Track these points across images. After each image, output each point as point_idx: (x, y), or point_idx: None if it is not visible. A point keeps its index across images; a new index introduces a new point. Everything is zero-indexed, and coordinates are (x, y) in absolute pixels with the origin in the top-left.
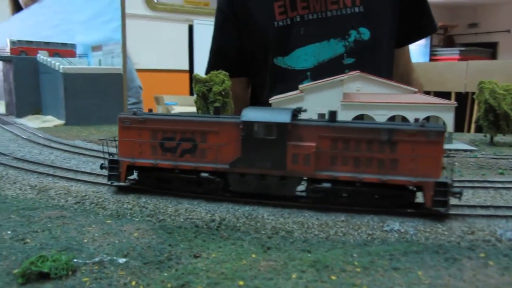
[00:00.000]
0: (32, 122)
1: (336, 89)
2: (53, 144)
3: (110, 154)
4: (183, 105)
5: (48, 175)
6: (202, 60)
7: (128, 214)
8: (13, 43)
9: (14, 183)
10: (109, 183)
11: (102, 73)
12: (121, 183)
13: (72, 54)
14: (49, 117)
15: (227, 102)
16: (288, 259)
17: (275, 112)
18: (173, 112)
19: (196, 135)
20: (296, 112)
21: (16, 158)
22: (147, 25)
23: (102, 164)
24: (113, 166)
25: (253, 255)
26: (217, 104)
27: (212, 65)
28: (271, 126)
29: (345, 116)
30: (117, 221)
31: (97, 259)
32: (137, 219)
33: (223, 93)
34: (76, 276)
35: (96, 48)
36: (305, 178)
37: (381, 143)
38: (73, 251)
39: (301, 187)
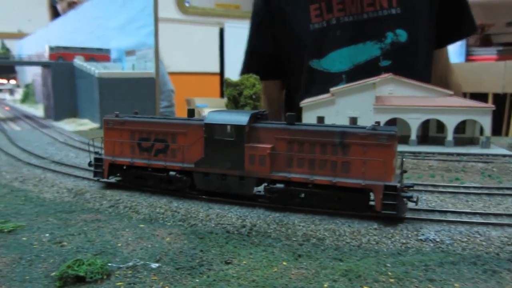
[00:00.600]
0: (68, 125)
1: (368, 92)
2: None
3: (96, 152)
4: (214, 107)
5: (84, 178)
6: (233, 63)
7: (161, 219)
8: (51, 49)
9: (52, 186)
10: (95, 179)
11: (135, 77)
12: (106, 180)
13: (107, 59)
14: (85, 120)
15: (257, 105)
16: (320, 267)
17: (235, 114)
18: (203, 114)
19: (168, 136)
20: (257, 115)
21: (53, 161)
22: (178, 29)
23: (90, 161)
24: (98, 164)
25: (284, 263)
26: (247, 108)
27: (247, 67)
28: (230, 128)
29: (378, 119)
30: (149, 226)
31: (130, 264)
32: (169, 224)
33: (253, 96)
34: (111, 280)
35: (129, 52)
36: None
37: (334, 146)
38: (108, 255)
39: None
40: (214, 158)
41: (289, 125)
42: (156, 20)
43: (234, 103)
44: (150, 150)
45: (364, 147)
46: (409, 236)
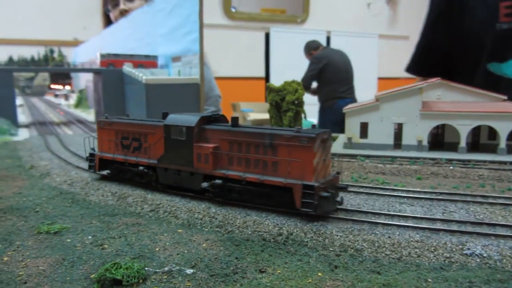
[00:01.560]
0: None
1: (414, 98)
2: None
3: (92, 149)
4: (259, 112)
5: (127, 183)
6: (278, 67)
7: (199, 224)
8: (102, 56)
9: (98, 189)
10: (90, 171)
11: (180, 83)
12: (98, 172)
13: (154, 65)
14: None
15: (300, 111)
16: (356, 280)
17: (188, 117)
18: (248, 118)
19: (141, 135)
20: (209, 118)
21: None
22: (225, 34)
23: (87, 156)
24: (91, 158)
25: (319, 274)
26: (290, 113)
27: (416, 61)
28: (181, 129)
29: (425, 125)
30: (187, 231)
31: (166, 269)
32: (206, 230)
33: (296, 102)
34: (146, 284)
35: (176, 59)
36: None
37: (265, 147)
38: (145, 259)
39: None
40: (171, 155)
41: (232, 127)
42: (201, 26)
43: (277, 109)
44: (129, 148)
45: (289, 148)
46: (454, 250)
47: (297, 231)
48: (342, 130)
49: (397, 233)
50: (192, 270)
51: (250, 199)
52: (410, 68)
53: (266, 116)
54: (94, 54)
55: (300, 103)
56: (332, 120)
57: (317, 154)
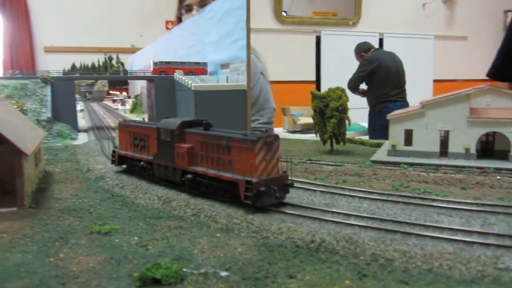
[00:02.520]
0: None
1: (461, 104)
2: None
3: (115, 147)
4: (309, 116)
5: (173, 187)
6: (329, 70)
7: (236, 229)
8: (155, 64)
9: (146, 193)
10: (113, 165)
11: (227, 89)
12: (118, 166)
13: (204, 72)
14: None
15: (344, 117)
16: None
17: (174, 121)
18: (298, 122)
19: (145, 136)
20: (191, 122)
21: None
22: (276, 39)
23: (111, 153)
24: (113, 154)
25: (347, 281)
26: (333, 120)
27: (496, 66)
28: (167, 131)
29: (472, 133)
30: (225, 235)
31: (202, 270)
32: (243, 234)
33: (340, 108)
34: (183, 284)
35: (224, 66)
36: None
37: (223, 148)
38: (184, 260)
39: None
40: (161, 153)
41: (203, 131)
42: (248, 34)
43: (320, 115)
44: (137, 146)
45: (238, 149)
46: (487, 263)
47: (329, 239)
48: None
49: (430, 244)
50: (226, 273)
51: (213, 191)
52: (491, 74)
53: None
54: (148, 61)
55: (344, 110)
56: (381, 123)
57: (258, 155)
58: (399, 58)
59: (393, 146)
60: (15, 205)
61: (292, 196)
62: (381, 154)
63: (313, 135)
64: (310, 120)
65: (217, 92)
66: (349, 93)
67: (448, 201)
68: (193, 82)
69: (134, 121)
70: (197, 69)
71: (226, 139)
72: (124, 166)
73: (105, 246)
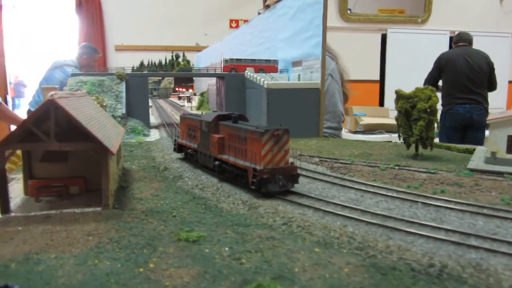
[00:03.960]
0: None
1: None
2: None
3: (177, 137)
4: (372, 116)
5: (253, 190)
6: (395, 70)
7: (336, 244)
8: (225, 61)
9: (228, 196)
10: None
11: (300, 88)
12: (178, 154)
13: (274, 70)
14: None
15: (432, 120)
16: None
17: (212, 114)
18: (361, 123)
19: (195, 127)
20: (226, 116)
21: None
22: (340, 37)
23: (174, 141)
24: (175, 143)
25: None
26: (421, 122)
27: None
28: (206, 123)
29: None
30: (324, 251)
31: None
32: (345, 251)
33: (428, 110)
34: None
35: (296, 63)
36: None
37: (242, 138)
38: (286, 280)
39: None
40: (202, 142)
41: (232, 123)
42: (325, 30)
43: (406, 117)
44: (190, 136)
45: (251, 140)
46: None
47: (452, 263)
48: (462, 138)
49: None
50: None
51: (234, 177)
52: None
53: (380, 120)
54: (215, 59)
55: (433, 111)
56: (447, 124)
57: (265, 146)
58: (485, 60)
59: (493, 153)
60: (99, 205)
61: (390, 207)
62: (478, 161)
63: (380, 135)
64: (373, 120)
65: (290, 90)
66: None
67: None
68: (265, 80)
69: (190, 114)
70: (267, 66)
71: (244, 131)
72: (178, 152)
73: (196, 257)
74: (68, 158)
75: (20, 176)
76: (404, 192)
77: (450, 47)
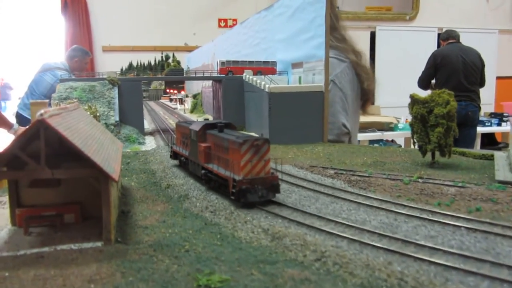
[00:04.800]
0: None
1: None
2: None
3: (173, 143)
4: (364, 114)
5: (276, 215)
6: (385, 68)
7: (384, 287)
8: (222, 63)
9: (245, 222)
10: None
11: (304, 91)
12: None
13: (273, 72)
14: (252, 134)
15: (451, 126)
16: None
17: (200, 123)
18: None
19: (186, 136)
20: (214, 124)
21: None
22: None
23: (170, 148)
24: (171, 150)
25: None
26: (439, 129)
27: None
28: (194, 132)
29: None
30: None
31: None
32: None
33: (447, 116)
34: None
35: (296, 65)
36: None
37: (225, 148)
38: None
39: None
40: (192, 151)
41: (217, 132)
42: (327, 31)
43: (422, 123)
44: (183, 144)
45: (232, 150)
46: None
47: None
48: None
49: None
50: None
51: (218, 187)
52: None
53: (372, 119)
54: (207, 60)
55: (451, 117)
56: None
57: (244, 156)
58: (478, 57)
59: None
60: (99, 238)
61: (431, 233)
62: (503, 171)
63: (372, 133)
64: (365, 118)
65: (292, 94)
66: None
67: None
68: (266, 83)
69: (185, 122)
70: (266, 68)
71: (226, 141)
72: (173, 159)
73: None
74: (61, 182)
75: (5, 199)
76: (440, 214)
77: (438, 44)
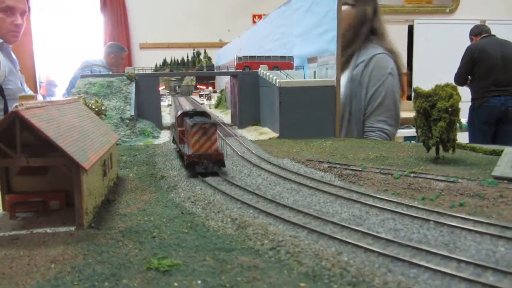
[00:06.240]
0: (250, 133)
1: None
2: (263, 164)
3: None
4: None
5: (250, 206)
6: (423, 63)
7: (326, 277)
8: (239, 58)
9: (218, 212)
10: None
11: (315, 86)
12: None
13: (290, 67)
14: (266, 129)
15: (454, 120)
16: None
17: (181, 112)
18: None
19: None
20: (192, 112)
21: (226, 180)
22: None
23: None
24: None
25: None
26: (441, 123)
27: None
28: (175, 118)
29: None
30: (312, 285)
31: None
32: (335, 286)
33: (449, 109)
34: None
35: (311, 59)
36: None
37: (186, 131)
38: None
39: None
40: (174, 133)
41: (188, 118)
42: (339, 24)
43: (425, 117)
44: (174, 129)
45: (188, 132)
46: None
47: None
48: (495, 132)
49: None
50: None
51: (186, 164)
52: None
53: (405, 115)
54: (233, 55)
55: (455, 111)
56: (482, 119)
57: (194, 136)
58: None
59: None
60: (74, 224)
61: (397, 226)
62: (504, 167)
63: (407, 130)
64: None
65: (303, 88)
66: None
67: None
68: (278, 77)
69: (182, 112)
70: (282, 63)
71: (187, 124)
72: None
73: None
74: (48, 170)
75: None
76: (415, 208)
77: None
